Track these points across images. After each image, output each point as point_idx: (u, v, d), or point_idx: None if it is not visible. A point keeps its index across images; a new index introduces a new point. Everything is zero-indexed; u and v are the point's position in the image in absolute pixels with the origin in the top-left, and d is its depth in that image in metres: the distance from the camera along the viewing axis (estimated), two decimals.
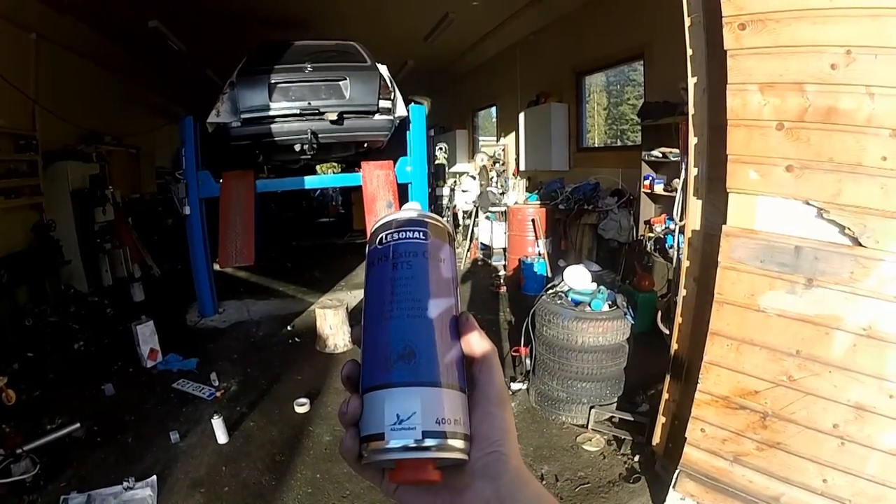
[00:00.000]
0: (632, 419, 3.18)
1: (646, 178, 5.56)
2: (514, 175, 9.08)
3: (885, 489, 1.82)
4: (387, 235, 0.44)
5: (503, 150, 9.71)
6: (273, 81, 5.01)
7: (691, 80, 2.37)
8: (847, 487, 1.90)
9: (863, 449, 1.87)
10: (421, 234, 0.44)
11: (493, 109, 11.57)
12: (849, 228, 1.90)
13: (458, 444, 0.38)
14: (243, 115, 5.00)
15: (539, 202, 7.03)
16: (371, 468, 0.41)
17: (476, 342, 0.43)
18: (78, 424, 3.24)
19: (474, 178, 8.86)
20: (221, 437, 3.35)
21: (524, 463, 0.42)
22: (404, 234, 0.43)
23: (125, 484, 2.79)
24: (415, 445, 0.37)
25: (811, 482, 1.99)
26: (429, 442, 0.37)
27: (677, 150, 4.87)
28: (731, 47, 2.03)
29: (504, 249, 7.47)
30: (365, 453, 0.38)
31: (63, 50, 6.59)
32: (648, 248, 5.36)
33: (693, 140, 2.44)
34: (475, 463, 0.39)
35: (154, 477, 2.90)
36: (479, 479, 0.39)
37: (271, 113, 5.06)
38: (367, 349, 0.41)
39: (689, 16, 2.30)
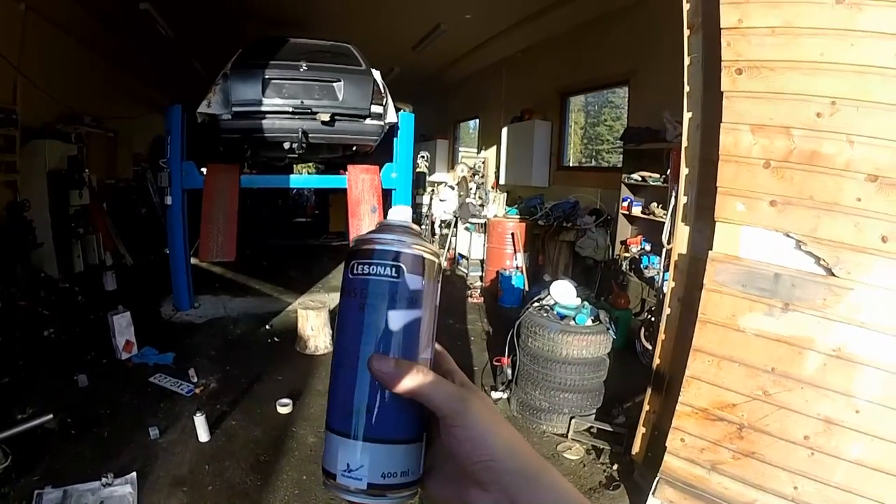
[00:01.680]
0: (611, 430, 3.35)
1: (624, 200, 5.81)
2: (492, 188, 9.26)
3: (852, 496, 2.01)
4: (360, 266, 0.40)
5: (483, 162, 9.89)
6: (267, 77, 5.01)
7: (686, 115, 2.56)
8: (816, 494, 2.09)
9: (831, 459, 2.07)
10: (395, 270, 0.40)
11: (474, 122, 11.77)
12: (824, 260, 2.10)
13: (402, 493, 0.41)
14: (235, 108, 4.98)
15: (519, 216, 7.21)
16: None
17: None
18: (51, 415, 3.09)
19: (453, 188, 9.00)
20: (203, 434, 3.31)
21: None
22: (379, 269, 0.40)
23: (103, 480, 2.72)
24: (357, 491, 0.39)
25: (783, 489, 2.17)
26: (372, 492, 0.40)
27: (657, 175, 5.13)
28: (727, 89, 2.22)
29: (481, 261, 7.61)
30: (325, 479, 0.41)
31: (50, 24, 6.38)
32: (624, 268, 5.60)
33: (684, 170, 2.62)
34: (471, 475, 0.40)
35: (134, 473, 2.84)
36: (475, 488, 0.40)
37: (263, 108, 5.05)
38: (333, 386, 0.42)
39: (688, 55, 2.49)
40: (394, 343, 0.40)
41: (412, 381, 0.39)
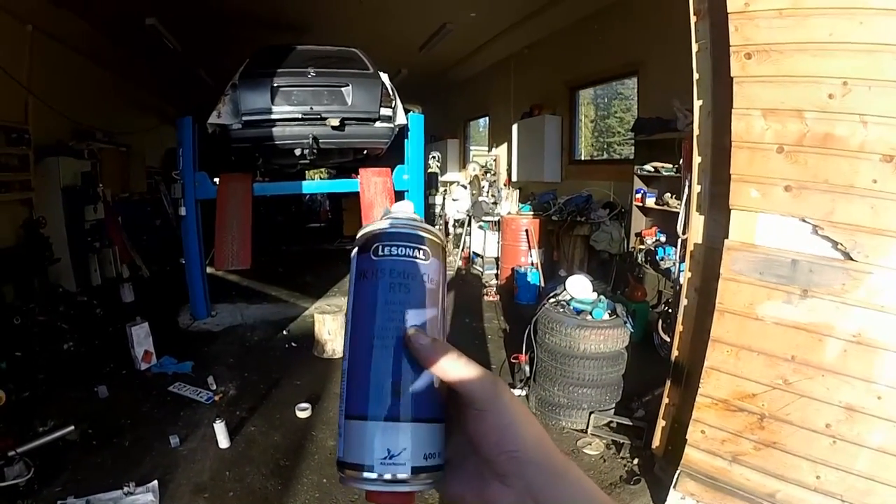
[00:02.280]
0: (630, 424, 3.31)
1: (637, 192, 5.75)
2: (505, 185, 9.23)
3: (874, 484, 1.97)
4: (383, 248, 0.41)
5: (495, 160, 9.86)
6: (275, 84, 5.05)
7: (696, 103, 2.52)
8: (838, 483, 2.05)
9: (853, 447, 2.03)
10: (421, 253, 0.41)
11: (484, 120, 11.74)
12: (841, 244, 2.06)
13: (438, 475, 0.39)
14: (245, 118, 5.02)
15: (532, 213, 7.17)
16: None
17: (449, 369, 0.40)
18: (72, 427, 3.17)
19: (465, 187, 9.00)
20: (223, 441, 3.33)
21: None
22: (403, 251, 0.41)
23: (125, 489, 2.76)
24: (403, 479, 0.37)
25: (805, 479, 2.13)
26: (417, 476, 0.38)
27: (670, 165, 5.06)
28: (737, 75, 2.18)
29: (496, 259, 7.59)
30: (343, 475, 0.38)
31: (58, 44, 6.51)
32: (639, 260, 5.54)
33: (697, 159, 2.59)
34: (495, 466, 0.39)
35: (155, 482, 2.88)
36: (497, 483, 0.39)
37: (273, 116, 5.09)
38: (353, 373, 0.40)
39: (696, 42, 2.45)
40: (425, 322, 0.40)
41: (449, 360, 0.39)
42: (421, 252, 0.41)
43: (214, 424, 3.34)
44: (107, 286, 6.66)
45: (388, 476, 0.37)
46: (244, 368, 4.57)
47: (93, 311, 5.75)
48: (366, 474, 0.37)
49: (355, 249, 0.42)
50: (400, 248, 0.41)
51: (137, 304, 6.17)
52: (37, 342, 4.68)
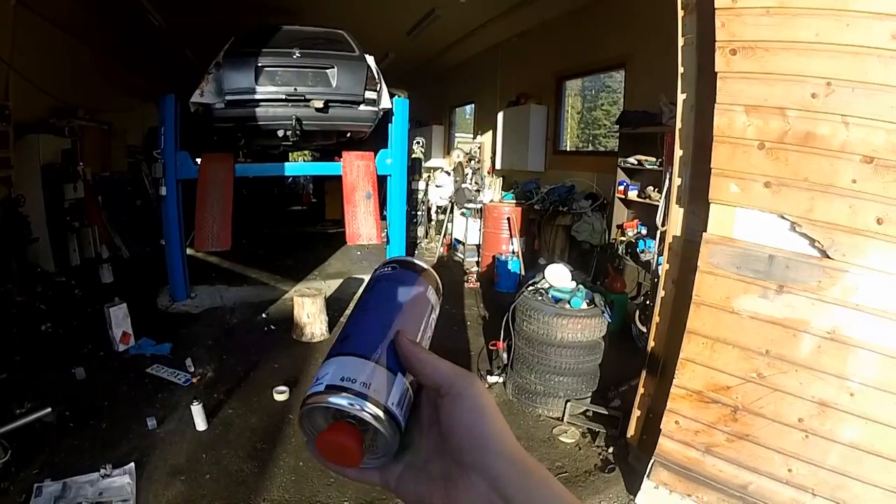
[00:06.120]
0: (606, 413, 3.36)
1: (620, 184, 5.79)
2: (488, 173, 9.22)
3: (845, 479, 2.03)
4: (398, 266, 0.54)
5: (479, 147, 9.83)
6: (260, 64, 4.96)
7: (680, 97, 2.53)
8: (810, 477, 2.10)
9: (825, 441, 2.08)
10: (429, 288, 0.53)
11: (470, 107, 11.67)
12: (818, 242, 2.09)
13: (379, 412, 0.40)
14: (228, 97, 4.94)
15: (515, 201, 7.18)
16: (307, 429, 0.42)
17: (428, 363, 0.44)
18: (49, 409, 3.08)
19: (449, 173, 8.96)
20: (200, 423, 3.32)
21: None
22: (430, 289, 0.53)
23: (102, 471, 2.74)
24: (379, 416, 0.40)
25: (777, 472, 2.19)
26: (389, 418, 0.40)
27: (653, 159, 5.10)
28: (721, 70, 2.19)
29: (478, 246, 7.60)
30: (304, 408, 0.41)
31: (41, 19, 6.29)
32: (620, 252, 5.59)
33: (679, 152, 2.60)
34: (464, 455, 0.38)
35: (132, 464, 2.86)
36: (472, 472, 0.38)
37: (256, 96, 5.01)
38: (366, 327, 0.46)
39: (682, 36, 2.45)
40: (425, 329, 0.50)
41: (433, 357, 0.43)
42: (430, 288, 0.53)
43: (192, 407, 3.32)
44: (86, 266, 6.52)
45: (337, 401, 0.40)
46: (222, 351, 4.53)
47: (71, 291, 5.66)
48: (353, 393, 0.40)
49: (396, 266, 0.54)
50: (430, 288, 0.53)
51: (116, 285, 6.06)
52: (14, 323, 4.60)
